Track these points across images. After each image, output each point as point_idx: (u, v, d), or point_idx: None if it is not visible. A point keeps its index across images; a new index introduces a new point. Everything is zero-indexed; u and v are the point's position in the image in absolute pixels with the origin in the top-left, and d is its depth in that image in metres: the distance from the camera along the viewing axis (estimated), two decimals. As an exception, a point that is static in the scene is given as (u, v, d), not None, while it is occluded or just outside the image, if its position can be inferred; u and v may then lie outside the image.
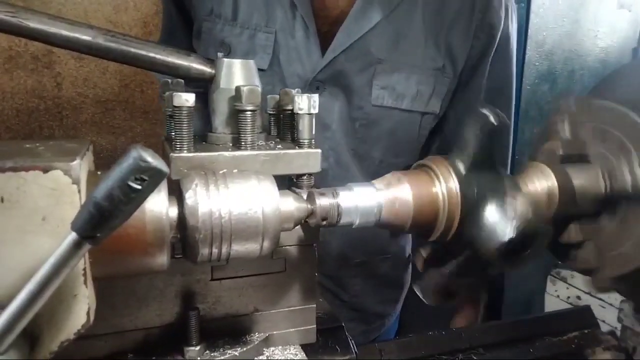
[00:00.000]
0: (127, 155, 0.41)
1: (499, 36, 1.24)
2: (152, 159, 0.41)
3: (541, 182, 0.75)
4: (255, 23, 1.19)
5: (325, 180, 1.21)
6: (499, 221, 0.65)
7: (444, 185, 0.71)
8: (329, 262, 1.36)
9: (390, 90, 1.21)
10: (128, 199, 0.41)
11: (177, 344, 0.68)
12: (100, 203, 0.41)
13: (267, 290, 0.74)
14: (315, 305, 0.77)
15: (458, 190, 0.70)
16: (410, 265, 1.58)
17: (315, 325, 0.78)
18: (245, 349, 0.70)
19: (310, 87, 1.20)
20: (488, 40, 1.23)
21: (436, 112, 1.26)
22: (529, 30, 2.02)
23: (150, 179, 0.41)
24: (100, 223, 0.42)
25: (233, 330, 0.72)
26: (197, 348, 0.67)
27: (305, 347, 0.76)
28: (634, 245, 0.70)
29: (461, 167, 0.69)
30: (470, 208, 0.68)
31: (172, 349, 0.68)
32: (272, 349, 0.75)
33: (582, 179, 0.73)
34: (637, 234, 0.69)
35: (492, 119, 0.66)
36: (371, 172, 1.24)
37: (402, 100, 1.22)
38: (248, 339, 0.72)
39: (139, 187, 0.41)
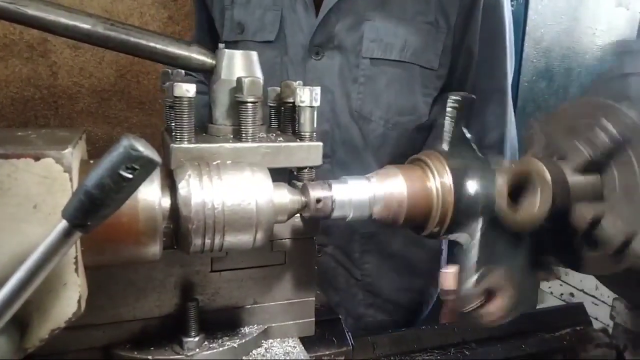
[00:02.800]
0: (119, 144, 0.41)
1: None
2: (144, 149, 0.41)
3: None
4: (265, 4, 1.36)
5: (326, 143, 1.26)
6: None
7: (438, 179, 0.71)
8: (336, 233, 1.40)
9: (378, 42, 1.29)
10: (119, 187, 0.41)
11: (175, 335, 0.67)
12: (91, 191, 0.41)
13: (266, 283, 0.74)
14: (314, 298, 0.77)
15: (452, 184, 0.70)
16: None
17: (313, 318, 0.78)
18: (243, 340, 0.70)
19: (309, 53, 1.31)
20: None
21: (434, 67, 1.31)
22: (527, 27, 2.02)
23: (141, 168, 0.41)
24: (91, 211, 0.42)
25: (232, 321, 0.73)
26: (196, 339, 0.67)
27: (302, 339, 0.77)
28: None
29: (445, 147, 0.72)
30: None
31: (171, 339, 0.68)
32: (270, 341, 0.75)
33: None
34: None
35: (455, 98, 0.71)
36: (378, 136, 1.32)
37: (390, 51, 1.29)
38: (247, 330, 0.73)
39: (130, 176, 0.41)
